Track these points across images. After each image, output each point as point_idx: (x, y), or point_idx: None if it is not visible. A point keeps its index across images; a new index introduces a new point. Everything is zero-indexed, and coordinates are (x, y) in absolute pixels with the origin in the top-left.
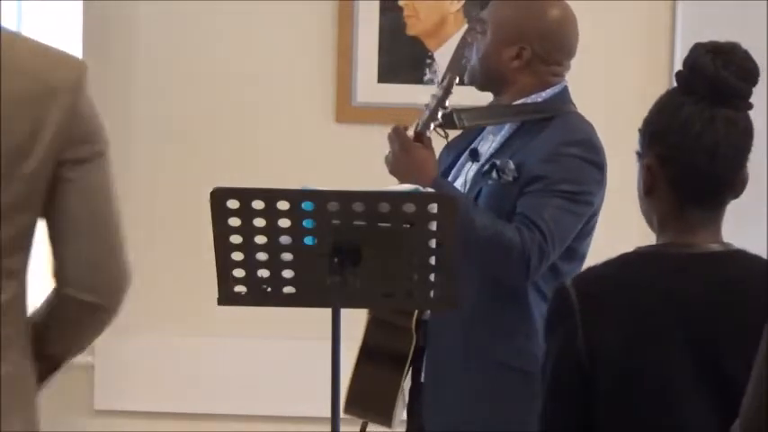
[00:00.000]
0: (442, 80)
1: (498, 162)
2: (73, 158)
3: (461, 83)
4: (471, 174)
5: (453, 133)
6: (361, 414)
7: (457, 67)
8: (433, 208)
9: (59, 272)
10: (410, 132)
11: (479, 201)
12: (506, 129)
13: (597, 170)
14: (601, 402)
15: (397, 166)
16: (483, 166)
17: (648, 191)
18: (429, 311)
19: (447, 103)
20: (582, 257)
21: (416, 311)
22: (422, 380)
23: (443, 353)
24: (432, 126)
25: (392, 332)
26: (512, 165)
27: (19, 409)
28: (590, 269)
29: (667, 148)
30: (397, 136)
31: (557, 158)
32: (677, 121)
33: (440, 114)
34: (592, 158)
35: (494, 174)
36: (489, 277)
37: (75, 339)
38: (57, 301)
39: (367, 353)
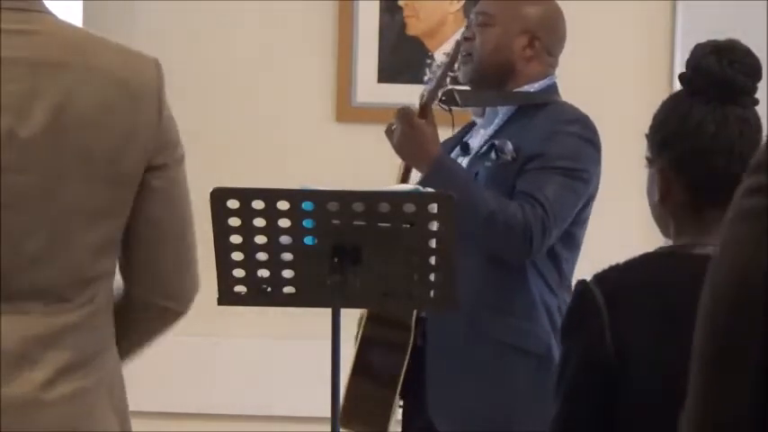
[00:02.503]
0: (449, 52)
1: (497, 142)
2: (160, 164)
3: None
4: (465, 164)
5: (457, 110)
6: (358, 427)
7: (459, 46)
8: (433, 208)
9: (136, 276)
10: (415, 105)
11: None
12: (500, 116)
13: (594, 149)
14: (629, 402)
15: (401, 142)
16: (480, 148)
17: (663, 196)
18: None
19: (456, 67)
20: (579, 247)
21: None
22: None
23: (445, 343)
24: (437, 99)
25: (389, 329)
26: (510, 145)
27: (116, 411)
28: (612, 268)
29: (682, 152)
30: (404, 115)
31: (554, 136)
32: (690, 125)
33: (447, 83)
34: (589, 137)
35: (492, 154)
36: (490, 257)
37: (143, 339)
38: (129, 304)
39: (362, 359)
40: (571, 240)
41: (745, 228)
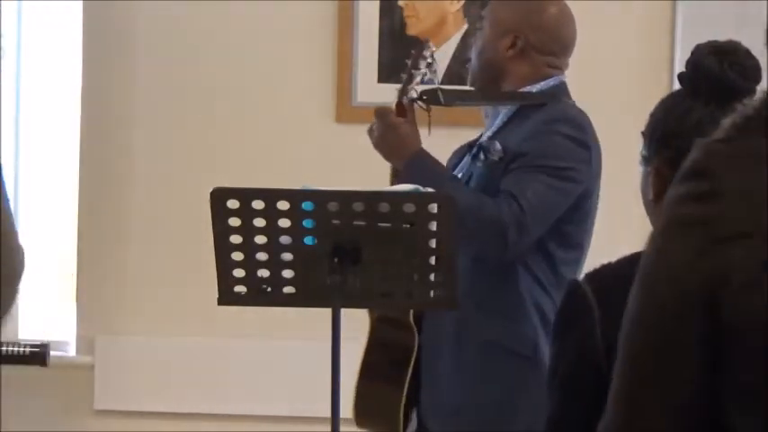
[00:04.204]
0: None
1: (484, 143)
2: None
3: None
4: (467, 166)
5: (436, 109)
6: (372, 427)
7: (426, 43)
8: (433, 208)
9: None
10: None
11: (470, 184)
12: (500, 118)
13: (582, 149)
14: None
15: (378, 140)
16: (471, 149)
17: (658, 195)
18: None
19: (421, 68)
20: (580, 247)
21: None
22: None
23: (437, 340)
24: (409, 96)
25: (396, 329)
26: (498, 145)
27: None
28: (603, 267)
29: (678, 152)
30: (381, 114)
31: (539, 135)
32: (687, 125)
33: (416, 82)
34: (575, 136)
35: (481, 155)
36: (478, 258)
37: None
38: None
39: (370, 362)
40: (566, 240)
41: (685, 236)
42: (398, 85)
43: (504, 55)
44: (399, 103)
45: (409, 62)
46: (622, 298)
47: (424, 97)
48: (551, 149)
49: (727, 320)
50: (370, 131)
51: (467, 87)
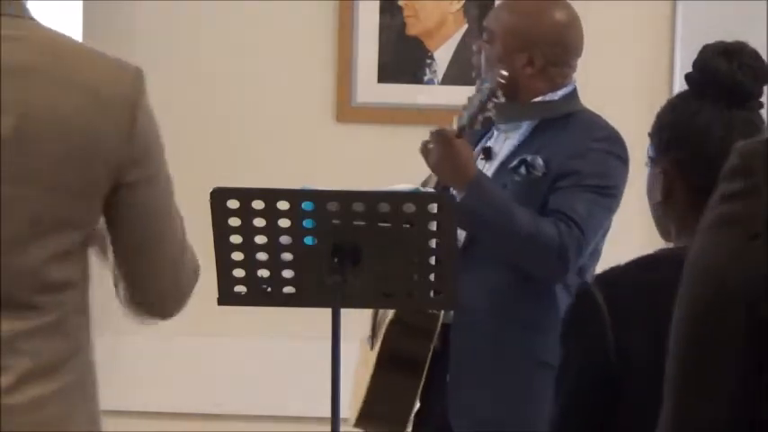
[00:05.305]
0: (484, 83)
1: (528, 158)
2: (132, 181)
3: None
4: (491, 172)
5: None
6: (375, 426)
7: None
8: (433, 208)
9: (117, 284)
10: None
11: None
12: (524, 127)
13: (624, 166)
14: (629, 404)
15: (439, 162)
16: (508, 162)
17: (666, 197)
18: (451, 314)
19: (489, 106)
20: (600, 255)
21: (441, 314)
22: (446, 380)
23: (470, 353)
24: (477, 123)
25: (413, 335)
26: (540, 160)
27: (89, 415)
28: (612, 270)
29: (687, 154)
30: (443, 136)
31: (586, 153)
32: (696, 126)
33: (490, 107)
34: (618, 153)
35: (522, 169)
36: (519, 274)
37: None
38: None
39: (384, 361)
40: (596, 253)
41: (723, 234)
42: (463, 112)
43: (522, 72)
44: (462, 129)
45: (485, 91)
46: (633, 303)
47: (482, 119)
48: (599, 168)
49: (766, 317)
50: (425, 151)
51: (508, 104)
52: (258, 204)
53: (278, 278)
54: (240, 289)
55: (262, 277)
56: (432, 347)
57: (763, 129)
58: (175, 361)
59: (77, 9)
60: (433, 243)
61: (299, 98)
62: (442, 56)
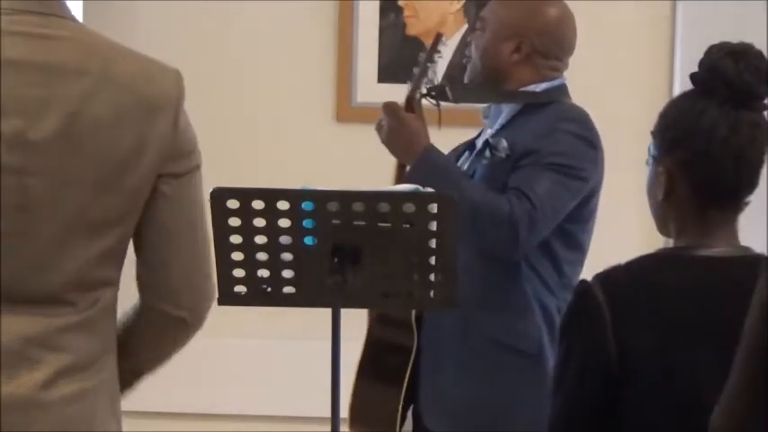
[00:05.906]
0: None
1: (491, 140)
2: (170, 172)
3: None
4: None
5: (445, 105)
6: (367, 428)
7: (440, 37)
8: (433, 208)
9: (148, 284)
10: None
11: (474, 180)
12: (503, 116)
13: (591, 148)
14: (630, 402)
15: (390, 137)
16: (475, 147)
17: (667, 195)
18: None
19: (436, 59)
20: (582, 248)
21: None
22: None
23: (441, 339)
24: (420, 92)
25: (395, 330)
26: (504, 143)
27: (115, 414)
28: (613, 269)
29: (691, 153)
30: (390, 109)
31: (550, 133)
32: (701, 126)
33: (427, 78)
34: (585, 135)
35: (487, 152)
36: (482, 254)
37: (159, 353)
38: (143, 315)
39: (367, 362)
40: (571, 239)
41: None
42: (408, 83)
43: (509, 59)
44: (409, 99)
45: (423, 55)
46: (633, 300)
47: (433, 93)
48: (561, 147)
49: None
50: (379, 127)
51: (472, 85)
52: (258, 204)
53: (278, 278)
54: (240, 289)
55: (262, 277)
56: (415, 343)
57: (766, 130)
58: (175, 361)
59: (77, 9)
60: (433, 243)
61: (299, 98)
62: (442, 56)
